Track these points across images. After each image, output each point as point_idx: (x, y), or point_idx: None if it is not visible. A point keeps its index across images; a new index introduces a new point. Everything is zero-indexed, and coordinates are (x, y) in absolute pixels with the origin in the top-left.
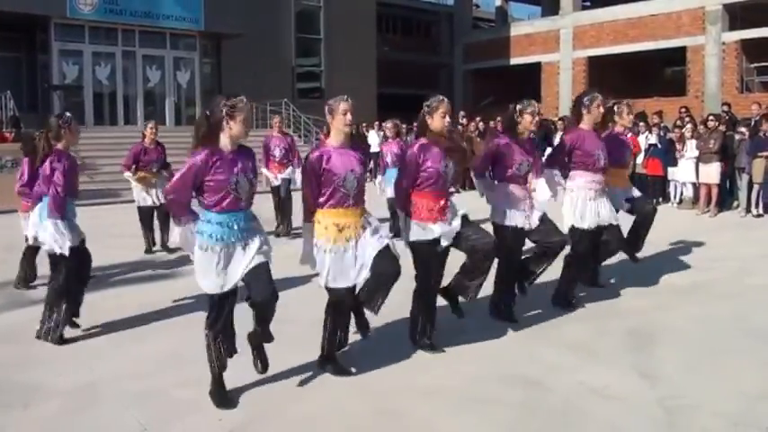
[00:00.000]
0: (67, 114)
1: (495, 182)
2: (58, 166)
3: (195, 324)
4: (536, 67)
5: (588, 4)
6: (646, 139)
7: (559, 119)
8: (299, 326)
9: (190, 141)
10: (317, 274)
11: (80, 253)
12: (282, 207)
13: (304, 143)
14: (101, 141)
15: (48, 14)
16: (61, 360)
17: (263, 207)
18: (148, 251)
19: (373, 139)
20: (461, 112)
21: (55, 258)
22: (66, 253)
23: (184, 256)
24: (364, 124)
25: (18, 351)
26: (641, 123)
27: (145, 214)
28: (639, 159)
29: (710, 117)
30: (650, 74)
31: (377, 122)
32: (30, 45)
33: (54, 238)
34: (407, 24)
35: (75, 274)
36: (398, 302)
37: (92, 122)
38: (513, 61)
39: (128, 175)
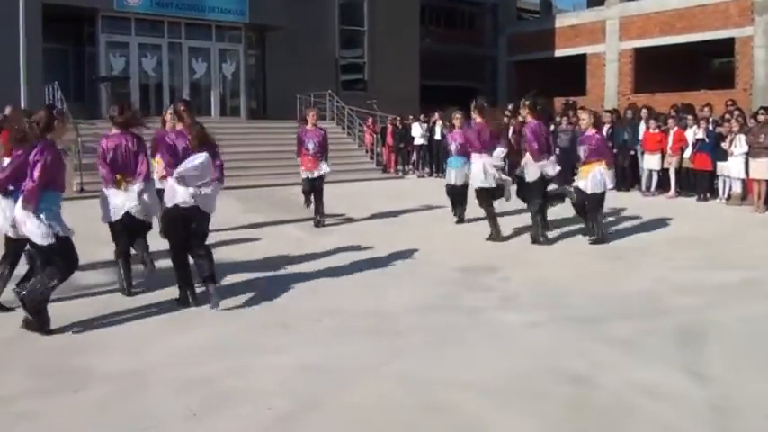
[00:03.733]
0: (59, 107)
1: None
2: (41, 158)
3: (243, 313)
4: (581, 59)
5: None
6: (693, 134)
7: (606, 111)
8: (342, 316)
9: (234, 132)
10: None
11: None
12: (317, 199)
13: (347, 135)
14: (147, 132)
15: (95, 7)
16: (111, 346)
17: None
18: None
19: (416, 131)
20: (509, 105)
21: (43, 251)
22: (52, 241)
23: (233, 246)
24: (411, 116)
25: (69, 337)
26: (689, 117)
27: None
28: (687, 154)
29: (761, 110)
30: (697, 66)
31: (421, 115)
32: (77, 37)
33: (39, 231)
34: (451, 16)
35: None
36: (445, 295)
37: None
38: (558, 53)
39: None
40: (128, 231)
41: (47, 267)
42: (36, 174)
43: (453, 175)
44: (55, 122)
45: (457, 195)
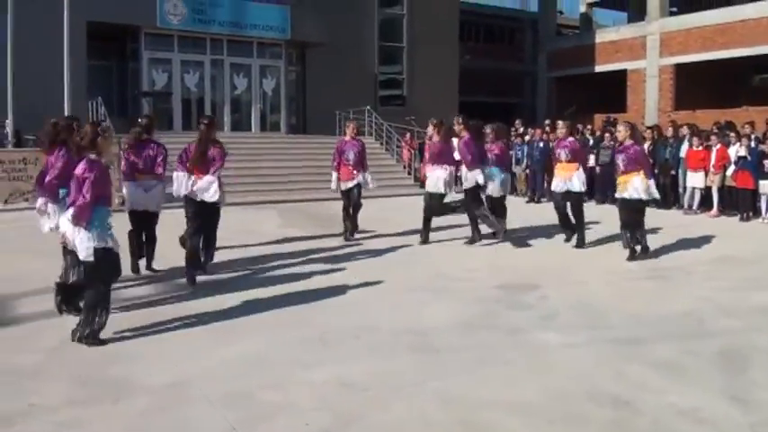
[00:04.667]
0: (105, 123)
1: None
2: (89, 174)
3: (281, 327)
4: (622, 75)
5: (675, 9)
6: (735, 151)
7: (648, 128)
8: (379, 333)
9: (274, 147)
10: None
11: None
12: (354, 210)
13: (385, 150)
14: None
15: (138, 25)
16: (151, 358)
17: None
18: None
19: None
20: (546, 121)
21: (88, 264)
22: (92, 259)
23: (271, 259)
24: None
25: (110, 347)
26: (731, 134)
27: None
28: (729, 171)
29: None
30: (739, 82)
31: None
32: (120, 53)
33: (84, 246)
34: (490, 32)
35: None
36: (482, 313)
37: (180, 128)
38: (599, 68)
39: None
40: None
41: (88, 291)
42: (86, 190)
43: (490, 187)
44: (99, 138)
45: (496, 207)
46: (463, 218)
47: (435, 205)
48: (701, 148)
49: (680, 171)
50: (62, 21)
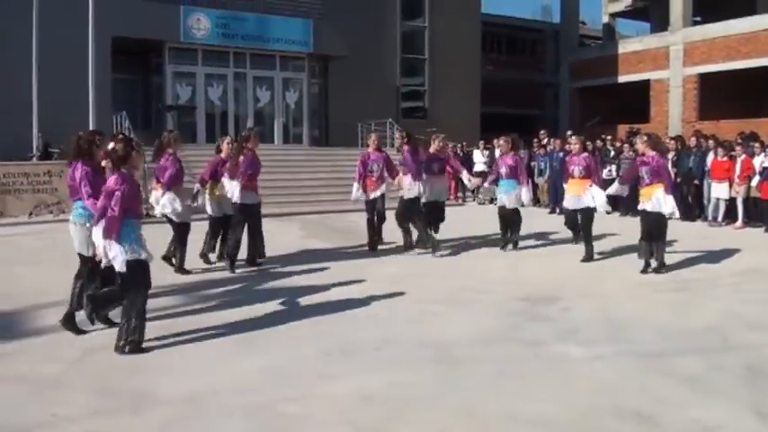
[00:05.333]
0: (134, 138)
1: None
2: (119, 189)
3: (303, 339)
4: (645, 85)
5: (699, 19)
6: (760, 162)
7: (671, 138)
8: (400, 345)
9: (296, 159)
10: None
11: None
12: (379, 221)
13: None
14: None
15: (162, 39)
16: (172, 370)
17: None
18: (204, 257)
19: (478, 158)
20: (568, 132)
21: (121, 275)
22: (124, 270)
23: (293, 271)
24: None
25: (129, 358)
26: (755, 144)
27: (217, 223)
28: (754, 182)
29: None
30: (764, 91)
31: (481, 142)
32: (144, 68)
33: (118, 258)
34: (512, 43)
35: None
36: (504, 326)
37: (204, 140)
38: (621, 79)
39: (198, 187)
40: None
41: (125, 302)
42: (114, 203)
43: (506, 199)
44: (133, 153)
45: (507, 218)
46: (482, 230)
47: (404, 211)
48: (725, 158)
49: (704, 182)
50: (87, 36)
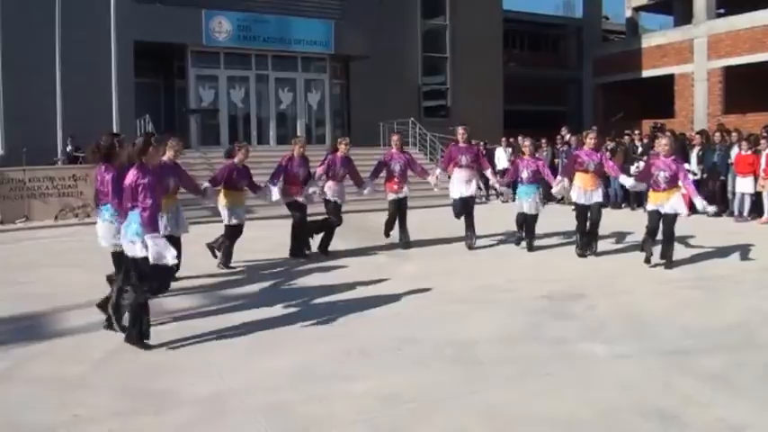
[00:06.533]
0: (156, 135)
1: None
2: (144, 181)
3: (323, 339)
4: (669, 80)
5: (723, 11)
6: None
7: (697, 133)
8: (421, 345)
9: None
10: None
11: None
12: (402, 220)
13: (430, 161)
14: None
15: (185, 43)
16: (193, 370)
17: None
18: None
19: (501, 155)
20: (593, 127)
21: (144, 268)
22: (174, 262)
23: (314, 271)
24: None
25: (151, 359)
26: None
27: (237, 231)
28: None
29: None
30: None
31: (503, 139)
32: (167, 72)
33: (158, 252)
34: (534, 39)
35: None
36: (527, 324)
37: (227, 143)
38: (645, 74)
39: (206, 185)
40: None
41: (140, 281)
42: (145, 196)
43: (525, 205)
44: (150, 148)
45: (526, 222)
46: (504, 228)
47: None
48: (749, 152)
49: (729, 176)
50: (110, 41)
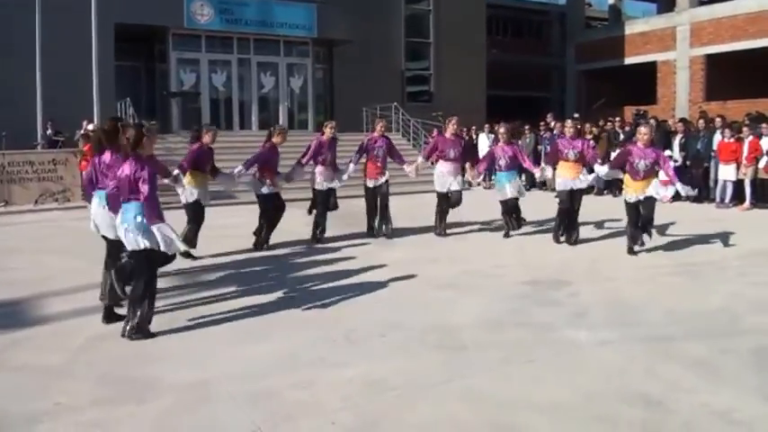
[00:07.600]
0: (149, 123)
1: None
2: (144, 173)
3: (307, 326)
4: (651, 67)
5: None
6: (767, 143)
7: (679, 120)
8: (406, 331)
9: (302, 145)
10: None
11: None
12: (383, 209)
13: (413, 147)
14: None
15: (166, 26)
16: (177, 357)
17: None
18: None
19: (483, 142)
20: (575, 114)
21: (144, 257)
22: (182, 249)
23: (297, 258)
24: (473, 127)
25: (135, 347)
26: (763, 125)
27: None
28: (762, 163)
29: None
30: None
31: (486, 125)
32: (148, 55)
33: (165, 241)
34: (517, 26)
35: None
36: (512, 310)
37: None
38: (628, 61)
39: (177, 172)
40: None
41: (138, 279)
42: (148, 188)
43: (508, 187)
44: (144, 139)
45: (510, 207)
46: (488, 215)
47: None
48: (732, 139)
49: (711, 163)
50: (90, 23)
